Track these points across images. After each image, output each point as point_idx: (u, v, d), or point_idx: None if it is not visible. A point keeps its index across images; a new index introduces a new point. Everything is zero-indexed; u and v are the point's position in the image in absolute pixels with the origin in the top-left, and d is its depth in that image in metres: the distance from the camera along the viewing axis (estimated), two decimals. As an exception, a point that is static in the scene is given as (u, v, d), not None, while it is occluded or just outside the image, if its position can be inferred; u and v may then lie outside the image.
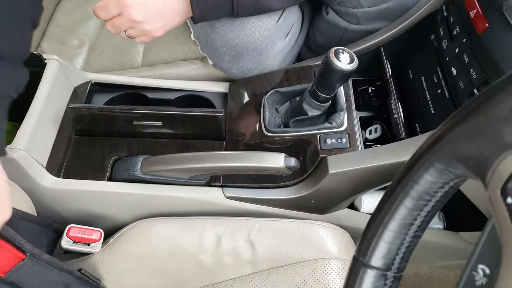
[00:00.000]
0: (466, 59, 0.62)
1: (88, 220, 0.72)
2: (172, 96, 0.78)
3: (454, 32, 0.66)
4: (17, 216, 0.58)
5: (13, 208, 0.58)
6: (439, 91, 0.69)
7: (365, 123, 0.78)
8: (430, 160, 0.30)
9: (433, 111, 0.70)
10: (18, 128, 0.64)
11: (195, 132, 0.73)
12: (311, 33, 0.86)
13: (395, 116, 0.72)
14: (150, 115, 0.69)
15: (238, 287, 0.65)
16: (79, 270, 0.61)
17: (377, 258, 0.32)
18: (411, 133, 0.73)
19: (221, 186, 0.69)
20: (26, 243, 0.53)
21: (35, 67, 0.70)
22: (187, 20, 0.76)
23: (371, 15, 0.77)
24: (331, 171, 0.63)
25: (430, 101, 0.72)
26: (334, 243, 0.67)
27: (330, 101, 0.68)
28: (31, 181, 0.65)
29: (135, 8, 0.61)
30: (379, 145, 0.69)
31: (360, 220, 0.75)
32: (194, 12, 0.65)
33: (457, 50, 0.65)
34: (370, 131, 0.78)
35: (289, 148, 0.69)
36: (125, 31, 0.65)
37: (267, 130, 0.69)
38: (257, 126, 0.71)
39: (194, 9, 0.64)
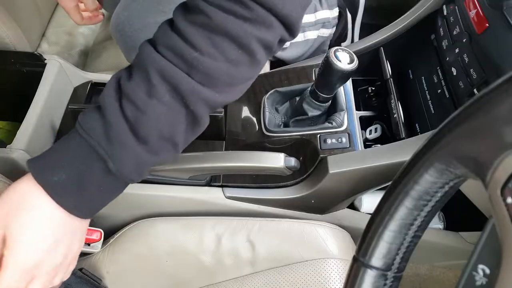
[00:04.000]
0: (466, 59, 0.62)
1: (88, 220, 0.72)
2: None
3: (454, 32, 0.66)
4: None
5: None
6: (439, 91, 0.69)
7: (365, 123, 0.78)
8: (430, 160, 0.30)
9: (433, 111, 0.70)
10: (18, 128, 0.64)
11: None
12: None
13: (395, 116, 0.72)
14: None
15: (238, 287, 0.65)
16: (80, 270, 0.61)
17: (377, 258, 0.32)
18: (411, 133, 0.73)
19: (221, 186, 0.69)
20: None
21: (35, 67, 0.71)
22: None
23: None
24: (331, 171, 0.63)
25: (430, 101, 0.72)
26: (334, 243, 0.67)
27: (330, 101, 0.68)
28: (31, 181, 0.65)
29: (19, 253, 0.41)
30: (379, 145, 0.69)
31: (360, 220, 0.75)
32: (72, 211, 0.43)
33: (457, 50, 0.65)
34: (370, 131, 0.78)
35: (289, 148, 0.69)
36: None
37: (267, 130, 0.69)
38: (257, 126, 0.71)
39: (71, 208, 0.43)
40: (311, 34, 0.87)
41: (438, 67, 0.71)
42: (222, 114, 0.68)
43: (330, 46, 0.87)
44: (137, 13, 0.77)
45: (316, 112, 0.68)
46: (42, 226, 0.42)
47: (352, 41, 0.94)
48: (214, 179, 0.69)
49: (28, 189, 0.42)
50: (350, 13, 0.90)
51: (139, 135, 0.41)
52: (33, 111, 0.65)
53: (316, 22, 0.86)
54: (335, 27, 0.89)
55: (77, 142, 0.42)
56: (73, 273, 0.60)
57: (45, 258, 0.43)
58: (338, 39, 0.91)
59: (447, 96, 0.67)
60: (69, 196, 0.42)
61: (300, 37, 0.87)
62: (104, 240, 0.68)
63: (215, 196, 0.68)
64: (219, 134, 0.73)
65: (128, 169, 0.42)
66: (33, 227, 0.42)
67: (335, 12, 0.87)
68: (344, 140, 0.66)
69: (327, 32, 0.89)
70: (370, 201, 0.77)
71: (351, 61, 0.60)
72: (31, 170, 0.42)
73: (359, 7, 0.91)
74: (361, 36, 0.85)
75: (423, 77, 0.75)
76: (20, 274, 0.42)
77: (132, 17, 0.76)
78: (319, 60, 0.79)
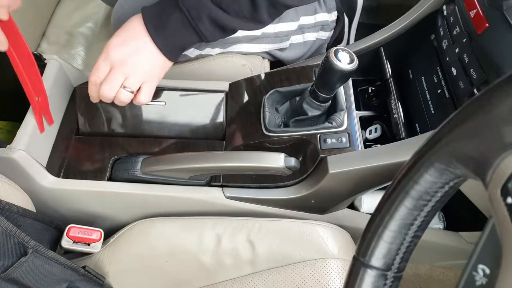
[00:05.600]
0: (466, 59, 0.62)
1: (88, 220, 0.72)
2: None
3: (454, 32, 0.66)
4: (18, 213, 0.58)
5: (14, 205, 0.58)
6: (439, 91, 0.70)
7: (365, 123, 0.78)
8: (430, 160, 0.30)
9: (433, 111, 0.70)
10: (18, 128, 0.64)
11: (197, 115, 0.74)
12: None
13: (395, 116, 0.72)
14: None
15: (238, 287, 0.65)
16: (83, 267, 0.61)
17: (377, 258, 0.32)
18: (411, 133, 0.73)
19: (221, 186, 0.69)
20: (28, 238, 0.53)
21: (35, 67, 0.70)
22: None
23: None
24: (331, 171, 0.63)
25: (430, 101, 0.72)
26: (334, 243, 0.67)
27: (330, 101, 0.68)
28: (31, 181, 0.65)
29: (116, 47, 0.62)
30: (379, 145, 0.69)
31: (360, 220, 0.75)
32: (159, 46, 0.63)
33: (457, 50, 0.65)
34: (370, 131, 0.78)
35: (289, 148, 0.69)
36: (124, 87, 0.64)
37: (267, 130, 0.69)
38: (257, 126, 0.71)
39: (158, 44, 0.62)
40: (310, 36, 0.88)
41: (438, 67, 0.71)
42: (223, 113, 0.68)
43: (327, 49, 0.87)
44: (141, 3, 0.76)
45: (316, 112, 0.68)
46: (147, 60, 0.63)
47: (348, 43, 0.95)
48: (214, 179, 0.69)
49: (139, 32, 0.63)
50: (348, 16, 0.91)
51: None
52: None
53: (316, 24, 0.87)
54: (333, 30, 0.90)
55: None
56: (76, 271, 0.60)
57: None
58: (334, 42, 0.92)
59: (447, 96, 0.67)
60: (160, 37, 0.62)
61: (299, 39, 0.87)
62: (104, 240, 0.68)
63: (215, 196, 0.68)
64: (219, 134, 0.73)
65: (188, 3, 0.59)
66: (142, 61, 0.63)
67: (333, 15, 0.88)
68: (344, 140, 0.66)
69: (326, 35, 0.89)
70: (370, 201, 0.77)
71: (351, 61, 0.60)
72: (145, 22, 0.62)
73: (357, 11, 0.92)
74: (361, 36, 0.85)
75: (423, 77, 0.75)
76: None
77: (137, 9, 0.76)
78: (319, 60, 0.79)
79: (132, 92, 0.64)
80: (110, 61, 0.63)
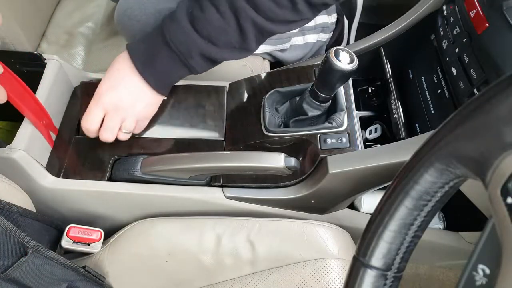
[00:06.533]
0: (466, 59, 0.62)
1: (88, 220, 0.72)
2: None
3: (454, 32, 0.66)
4: (18, 213, 0.58)
5: (14, 205, 0.58)
6: (439, 91, 0.70)
7: (365, 123, 0.78)
8: (430, 160, 0.30)
9: (433, 111, 0.70)
10: (18, 128, 0.64)
11: (197, 115, 0.74)
12: None
13: (395, 116, 0.72)
14: None
15: (238, 287, 0.65)
16: (83, 267, 0.61)
17: (377, 258, 0.32)
18: (411, 133, 0.73)
19: (221, 186, 0.69)
20: (28, 238, 0.53)
21: (35, 67, 0.70)
22: None
23: None
24: (331, 171, 0.63)
25: (430, 101, 0.72)
26: (334, 243, 0.67)
27: (330, 101, 0.68)
28: (31, 181, 0.65)
29: (107, 92, 0.64)
30: (379, 145, 0.69)
31: (360, 220, 0.75)
32: (150, 83, 0.64)
33: (457, 50, 0.65)
34: (370, 131, 0.78)
35: (289, 148, 0.69)
36: (122, 130, 0.67)
37: (267, 130, 0.69)
38: (257, 126, 0.71)
39: (149, 82, 0.63)
40: (311, 38, 0.88)
41: (438, 67, 0.71)
42: (223, 113, 0.68)
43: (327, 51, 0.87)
44: None
45: (316, 112, 0.68)
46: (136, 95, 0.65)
47: (348, 43, 0.95)
48: (214, 179, 0.69)
49: (127, 72, 0.63)
50: (347, 18, 0.91)
51: (194, 24, 0.59)
52: (33, 111, 0.65)
53: (316, 26, 0.87)
54: (332, 33, 0.90)
55: (158, 40, 0.62)
56: (76, 271, 0.60)
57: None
58: (334, 44, 0.92)
59: (447, 96, 0.67)
60: (151, 76, 0.63)
61: (300, 40, 0.88)
62: (104, 240, 0.68)
63: (215, 196, 0.68)
64: (219, 134, 0.73)
65: (177, 40, 0.60)
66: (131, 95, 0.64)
67: (333, 18, 0.88)
68: (344, 140, 0.66)
69: (325, 37, 0.90)
70: (370, 201, 0.77)
71: (351, 61, 0.60)
72: (133, 60, 0.62)
73: (356, 13, 0.92)
74: (361, 36, 0.85)
75: (423, 77, 0.75)
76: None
77: (143, 3, 0.76)
78: (319, 60, 0.79)
79: (130, 132, 0.69)
80: (103, 106, 0.64)
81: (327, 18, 0.88)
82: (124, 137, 0.68)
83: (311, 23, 0.87)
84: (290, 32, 0.84)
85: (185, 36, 0.60)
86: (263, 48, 0.85)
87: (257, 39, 0.63)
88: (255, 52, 0.86)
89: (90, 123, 0.65)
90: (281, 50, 0.87)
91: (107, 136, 0.66)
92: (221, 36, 0.60)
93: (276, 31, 0.63)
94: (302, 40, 0.88)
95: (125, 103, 0.64)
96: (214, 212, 0.70)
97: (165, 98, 0.69)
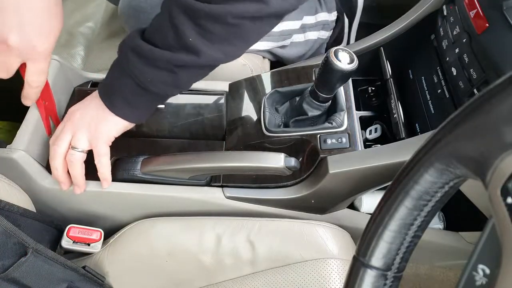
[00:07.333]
0: (466, 59, 0.62)
1: (88, 220, 0.72)
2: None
3: (454, 32, 0.66)
4: (18, 213, 0.58)
5: (14, 205, 0.58)
6: (439, 91, 0.70)
7: (365, 123, 0.78)
8: (430, 160, 0.30)
9: (433, 111, 0.70)
10: (18, 128, 0.64)
11: (197, 115, 0.73)
12: None
13: (395, 116, 0.72)
14: None
15: (238, 287, 0.65)
16: (83, 267, 0.61)
17: (377, 258, 0.32)
18: (411, 133, 0.73)
19: (221, 186, 0.69)
20: (28, 238, 0.53)
21: (35, 67, 0.70)
22: None
23: None
24: (331, 171, 0.63)
25: (430, 101, 0.72)
26: (334, 243, 0.67)
27: (330, 101, 0.68)
28: (31, 181, 0.65)
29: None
30: (379, 145, 0.69)
31: (360, 220, 0.75)
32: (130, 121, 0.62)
33: (457, 50, 0.65)
34: (370, 131, 0.78)
35: (289, 148, 0.69)
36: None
37: (267, 130, 0.69)
38: (257, 126, 0.71)
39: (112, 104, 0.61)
40: (312, 35, 0.88)
41: (438, 67, 0.71)
42: (223, 113, 0.68)
43: (327, 49, 0.87)
44: None
45: (316, 112, 0.68)
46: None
47: (348, 43, 0.95)
48: (214, 179, 0.69)
49: (99, 107, 0.62)
50: (348, 17, 0.91)
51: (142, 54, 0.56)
52: (33, 111, 0.65)
53: (317, 24, 0.87)
54: (332, 30, 0.90)
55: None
56: (76, 271, 0.60)
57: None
58: (334, 42, 0.92)
59: (447, 96, 0.67)
60: (121, 109, 0.61)
61: (300, 37, 0.88)
62: (104, 240, 0.68)
63: (215, 196, 0.68)
64: (219, 134, 0.73)
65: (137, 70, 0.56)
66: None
67: (333, 15, 0.88)
68: (344, 140, 0.66)
69: (326, 34, 0.90)
70: (370, 201, 0.77)
71: (351, 61, 0.60)
72: (102, 98, 0.61)
73: (357, 12, 0.92)
74: (361, 36, 0.85)
75: (423, 77, 0.75)
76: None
77: None
78: (319, 60, 0.79)
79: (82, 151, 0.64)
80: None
81: (327, 16, 0.88)
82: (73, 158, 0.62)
83: (312, 20, 0.87)
84: (293, 29, 0.84)
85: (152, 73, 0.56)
86: (264, 45, 0.85)
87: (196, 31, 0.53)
88: (256, 50, 0.86)
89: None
90: (282, 47, 0.88)
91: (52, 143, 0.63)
92: (157, 35, 0.55)
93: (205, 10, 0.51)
94: (303, 38, 0.88)
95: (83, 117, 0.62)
96: (214, 212, 0.70)
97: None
